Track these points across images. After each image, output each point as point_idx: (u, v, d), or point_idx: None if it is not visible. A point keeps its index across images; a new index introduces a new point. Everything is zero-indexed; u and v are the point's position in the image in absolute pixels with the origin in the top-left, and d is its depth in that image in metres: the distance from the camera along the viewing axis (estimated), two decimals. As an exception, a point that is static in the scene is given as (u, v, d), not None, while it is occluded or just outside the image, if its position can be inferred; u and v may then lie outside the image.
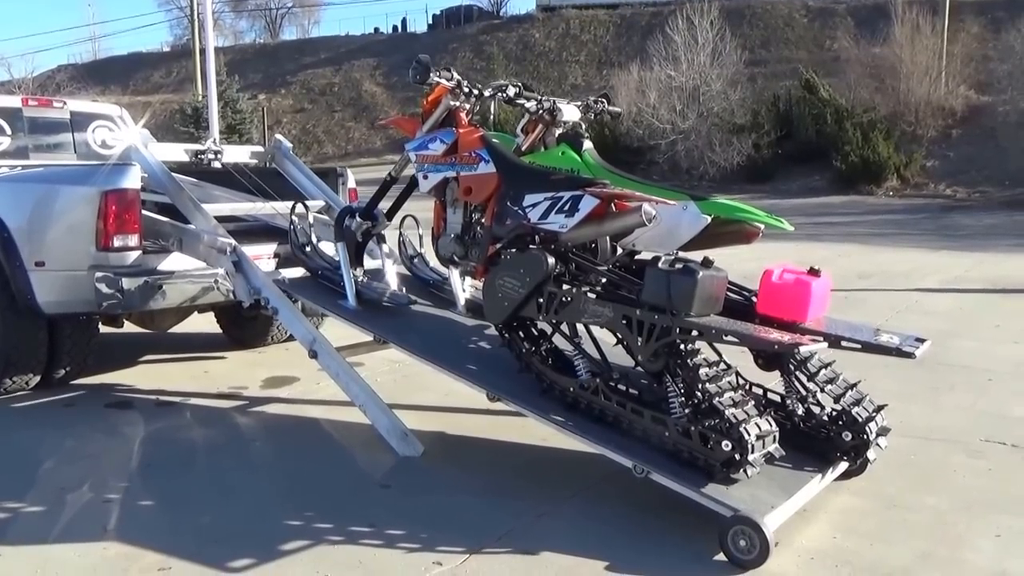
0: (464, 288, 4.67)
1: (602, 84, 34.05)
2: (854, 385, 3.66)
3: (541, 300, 3.63)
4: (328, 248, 5.18)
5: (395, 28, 51.74)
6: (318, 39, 52.32)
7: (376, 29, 52.30)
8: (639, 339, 3.35)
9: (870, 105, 23.83)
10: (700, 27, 24.72)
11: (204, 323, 6.63)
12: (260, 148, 6.48)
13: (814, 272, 3.53)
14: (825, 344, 3.31)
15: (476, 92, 4.25)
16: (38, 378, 5.28)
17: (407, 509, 3.57)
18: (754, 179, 23.39)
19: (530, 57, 41.33)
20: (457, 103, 4.23)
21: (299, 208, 4.98)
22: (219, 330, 6.78)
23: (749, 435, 3.08)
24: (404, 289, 4.73)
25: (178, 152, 5.91)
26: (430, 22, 50.46)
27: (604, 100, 4.51)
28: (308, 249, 4.91)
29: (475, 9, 49.02)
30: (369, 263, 4.94)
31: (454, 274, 4.54)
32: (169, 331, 6.23)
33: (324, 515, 3.49)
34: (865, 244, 13.16)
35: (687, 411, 3.31)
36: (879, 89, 24.52)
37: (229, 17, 57.66)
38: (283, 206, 5.45)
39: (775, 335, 3.20)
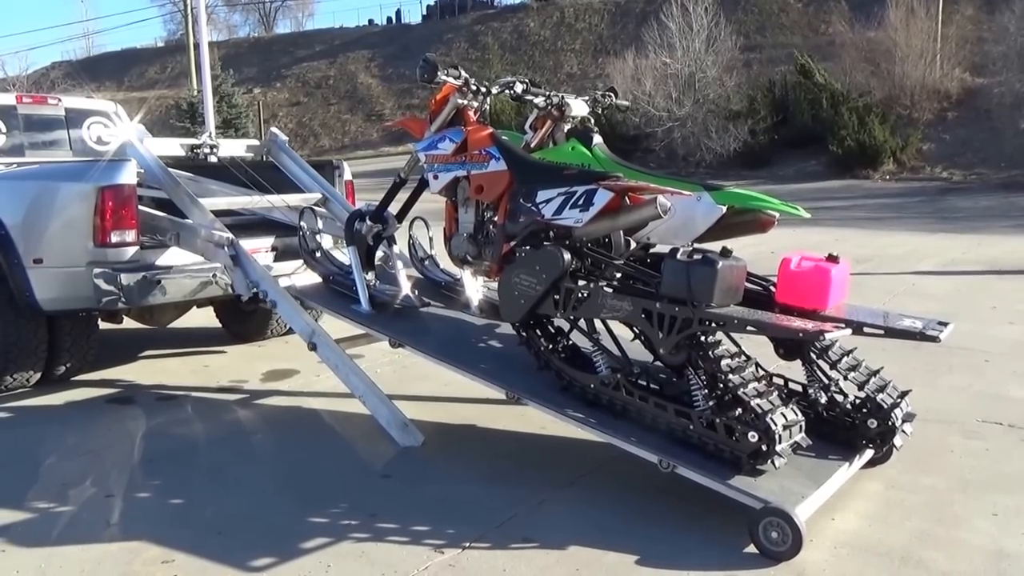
0: (477, 288, 4.64)
1: (597, 72, 34.08)
2: (877, 371, 3.63)
3: (558, 297, 3.60)
4: (325, 241, 5.20)
5: (389, 20, 51.69)
6: (312, 32, 52.29)
7: (370, 21, 52.30)
8: (659, 332, 3.32)
9: (866, 89, 23.82)
10: (695, 14, 24.68)
11: (203, 318, 6.65)
12: (256, 142, 6.48)
13: (832, 259, 3.49)
14: (848, 331, 3.26)
15: (484, 90, 4.21)
16: (39, 375, 5.30)
17: (408, 498, 3.59)
18: (751, 165, 23.41)
19: (525, 46, 41.29)
20: (465, 101, 4.19)
21: (307, 213, 4.99)
22: (218, 324, 6.81)
23: (776, 425, 3.06)
24: (416, 291, 4.68)
25: (174, 147, 5.90)
26: (424, 13, 50.42)
27: (612, 94, 4.45)
28: (319, 255, 4.91)
29: (469, -1, 49.01)
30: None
31: (467, 274, 4.49)
32: (168, 326, 6.24)
33: (326, 506, 3.51)
34: (862, 228, 13.19)
35: (711, 403, 3.30)
36: (874, 73, 24.49)
37: (223, 11, 57.77)
38: (279, 199, 5.47)
39: (798, 323, 3.17)
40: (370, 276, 4.65)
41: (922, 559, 2.99)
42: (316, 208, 5.44)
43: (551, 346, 3.84)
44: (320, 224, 5.09)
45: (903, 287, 8.19)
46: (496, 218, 4.03)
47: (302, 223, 4.90)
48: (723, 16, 25.65)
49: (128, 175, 4.92)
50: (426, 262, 5.09)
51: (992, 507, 3.39)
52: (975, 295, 7.82)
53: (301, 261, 5.00)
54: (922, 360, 5.29)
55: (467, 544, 3.15)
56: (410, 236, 5.03)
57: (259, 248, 5.38)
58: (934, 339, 3.38)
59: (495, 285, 4.03)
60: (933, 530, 3.21)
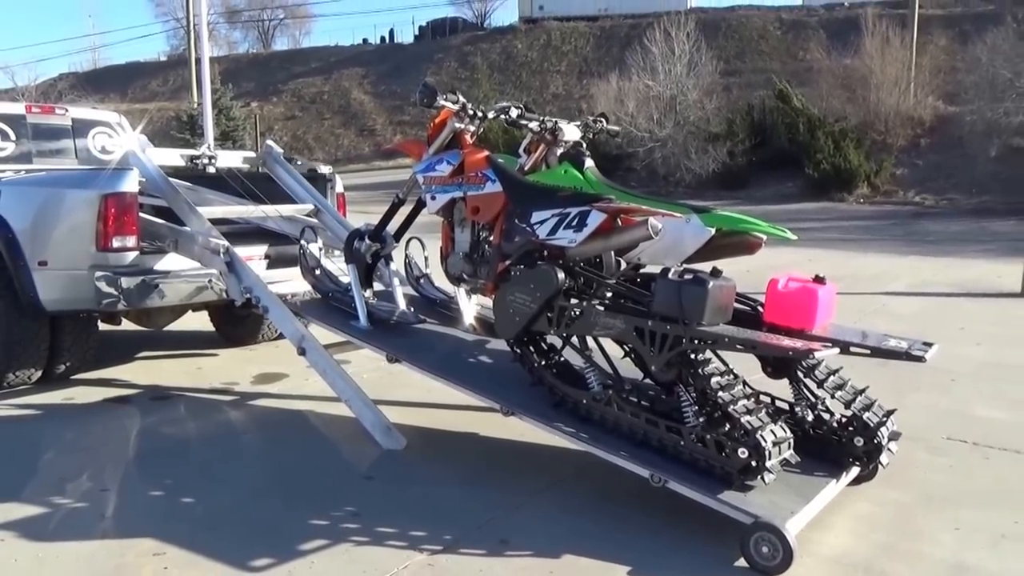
0: (471, 306, 4.68)
1: (582, 93, 34.30)
2: (863, 391, 3.66)
3: (551, 315, 3.64)
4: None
5: (383, 39, 51.98)
6: (309, 49, 52.35)
7: (365, 40, 52.68)
8: (651, 350, 3.35)
9: (841, 114, 23.94)
10: (677, 39, 24.84)
11: (198, 321, 6.74)
12: (252, 154, 6.60)
13: (819, 280, 3.52)
14: (836, 350, 3.28)
15: (480, 114, 4.28)
16: (40, 373, 5.40)
17: (390, 499, 3.69)
18: (729, 186, 23.49)
19: (513, 67, 41.51)
20: (462, 125, 4.28)
21: (307, 231, 5.10)
22: (212, 328, 6.91)
23: (766, 442, 3.09)
24: (412, 309, 4.72)
25: (174, 157, 5.99)
26: (416, 33, 50.68)
27: (603, 119, 4.49)
28: (318, 272, 4.98)
29: (460, 21, 49.45)
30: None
31: (462, 292, 4.54)
32: (165, 329, 6.32)
33: (311, 505, 3.60)
34: (836, 249, 13.18)
35: (701, 420, 3.34)
36: (850, 99, 24.66)
37: (223, 28, 57.89)
38: (273, 209, 5.60)
39: (788, 342, 3.20)
40: (368, 293, 4.71)
41: (885, 571, 3.06)
42: (315, 224, 5.53)
43: (544, 362, 3.88)
44: (319, 240, 5.17)
45: (874, 307, 8.24)
46: (492, 238, 4.09)
47: (303, 241, 4.99)
48: (704, 41, 25.86)
49: (130, 183, 5.06)
50: (421, 280, 5.15)
51: (954, 522, 3.46)
52: (944, 316, 7.88)
53: (292, 268, 5.10)
54: (890, 378, 5.22)
55: (446, 545, 3.23)
56: (406, 255, 5.09)
57: (253, 256, 5.49)
58: (919, 359, 3.40)
59: (489, 303, 4.09)
60: (897, 543, 3.27)
